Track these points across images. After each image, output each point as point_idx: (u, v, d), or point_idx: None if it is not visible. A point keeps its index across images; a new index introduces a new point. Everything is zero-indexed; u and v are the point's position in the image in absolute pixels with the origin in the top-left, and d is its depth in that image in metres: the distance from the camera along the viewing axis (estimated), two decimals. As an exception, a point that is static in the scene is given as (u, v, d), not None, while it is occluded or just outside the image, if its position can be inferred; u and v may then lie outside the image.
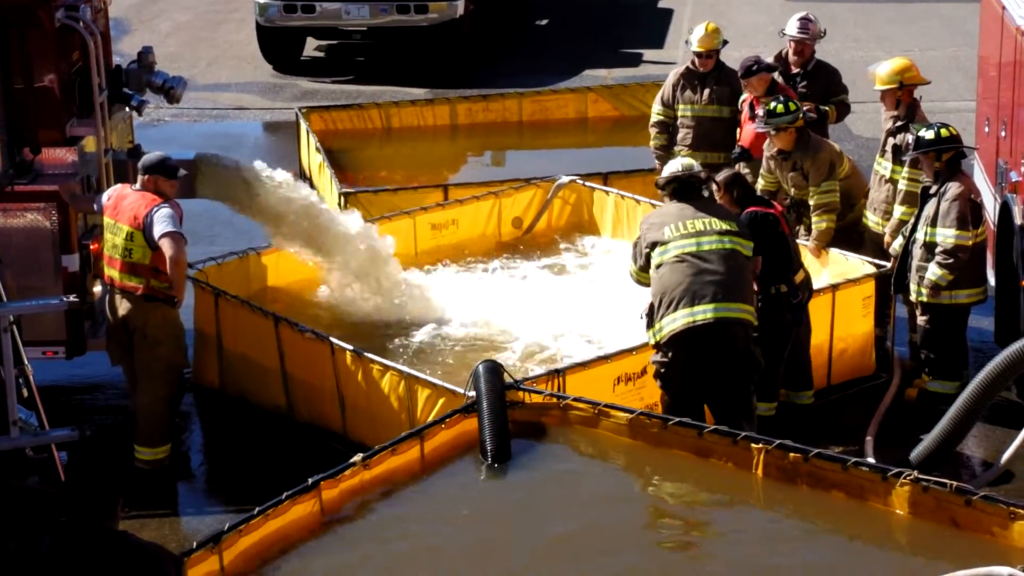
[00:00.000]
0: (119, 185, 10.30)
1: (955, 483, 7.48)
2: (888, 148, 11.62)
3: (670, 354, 9.36)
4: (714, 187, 10.25)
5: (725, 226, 9.50)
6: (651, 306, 9.47)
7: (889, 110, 11.73)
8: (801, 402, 10.72)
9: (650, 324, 9.47)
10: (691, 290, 9.30)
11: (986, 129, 12.37)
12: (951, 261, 10.48)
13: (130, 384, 10.27)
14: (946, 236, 10.49)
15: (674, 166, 9.86)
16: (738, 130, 12.98)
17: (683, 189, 9.68)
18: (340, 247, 11.57)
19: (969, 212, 10.51)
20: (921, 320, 10.85)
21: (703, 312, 9.26)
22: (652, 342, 9.50)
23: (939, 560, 7.09)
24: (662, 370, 9.45)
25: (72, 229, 10.44)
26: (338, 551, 7.51)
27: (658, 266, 9.45)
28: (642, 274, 9.63)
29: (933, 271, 10.53)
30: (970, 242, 10.52)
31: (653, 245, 9.48)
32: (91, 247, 10.61)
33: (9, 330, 5.92)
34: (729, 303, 9.31)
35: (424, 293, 11.85)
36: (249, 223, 11.99)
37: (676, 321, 9.30)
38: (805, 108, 12.19)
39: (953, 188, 10.52)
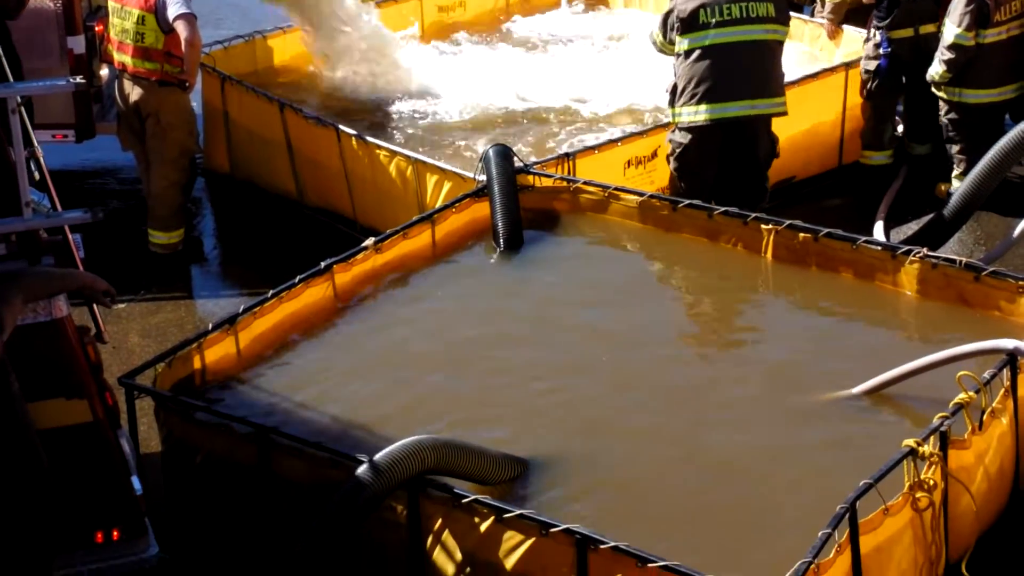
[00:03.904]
0: (121, -34, 10.12)
1: (964, 259, 7.52)
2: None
3: (689, 138, 9.30)
4: None
5: (762, 10, 9.22)
6: (675, 86, 9.34)
7: None
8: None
9: (672, 103, 9.36)
10: (720, 86, 9.13)
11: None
12: (950, 58, 10.25)
13: (142, 170, 10.26)
14: (947, 31, 10.23)
15: None
16: None
17: None
18: (346, 26, 11.45)
19: (975, 12, 10.14)
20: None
21: (731, 109, 9.14)
22: (673, 121, 9.42)
23: (947, 335, 7.15)
24: (678, 150, 9.38)
25: (76, 10, 10.31)
26: (352, 333, 7.58)
27: (688, 51, 9.22)
28: (667, 46, 9.39)
29: (934, 67, 10.36)
30: (971, 43, 10.22)
31: (687, 26, 9.20)
32: (96, 28, 10.49)
33: (17, 111, 5.88)
34: (757, 99, 9.20)
35: (429, 72, 11.73)
36: (255, 4, 11.85)
37: (699, 114, 9.18)
38: None
39: None
